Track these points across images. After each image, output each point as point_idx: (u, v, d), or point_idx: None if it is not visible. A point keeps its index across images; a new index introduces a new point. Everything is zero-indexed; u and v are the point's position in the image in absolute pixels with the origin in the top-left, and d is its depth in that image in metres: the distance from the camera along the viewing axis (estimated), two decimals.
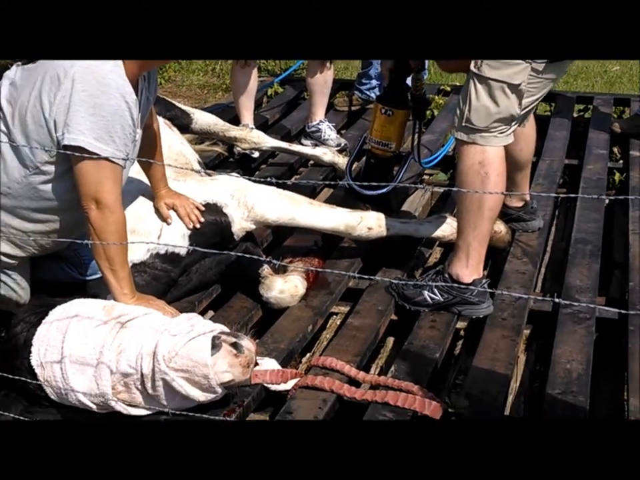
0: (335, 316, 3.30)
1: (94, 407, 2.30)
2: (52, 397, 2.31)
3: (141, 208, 2.97)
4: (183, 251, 2.98)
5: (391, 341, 3.14)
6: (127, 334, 2.30)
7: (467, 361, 2.88)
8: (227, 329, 2.39)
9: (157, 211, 2.97)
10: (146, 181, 2.99)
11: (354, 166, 3.98)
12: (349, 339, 2.87)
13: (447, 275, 2.97)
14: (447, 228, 3.36)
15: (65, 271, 2.91)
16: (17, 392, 2.33)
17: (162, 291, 2.96)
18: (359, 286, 3.34)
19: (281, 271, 3.22)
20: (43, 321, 2.33)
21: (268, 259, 2.64)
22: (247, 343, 2.30)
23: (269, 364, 2.59)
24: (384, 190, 3.53)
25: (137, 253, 2.87)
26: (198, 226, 2.98)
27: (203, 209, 3.02)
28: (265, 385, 2.51)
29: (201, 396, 2.27)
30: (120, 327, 2.32)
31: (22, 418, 2.28)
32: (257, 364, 2.38)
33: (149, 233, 2.93)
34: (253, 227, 3.17)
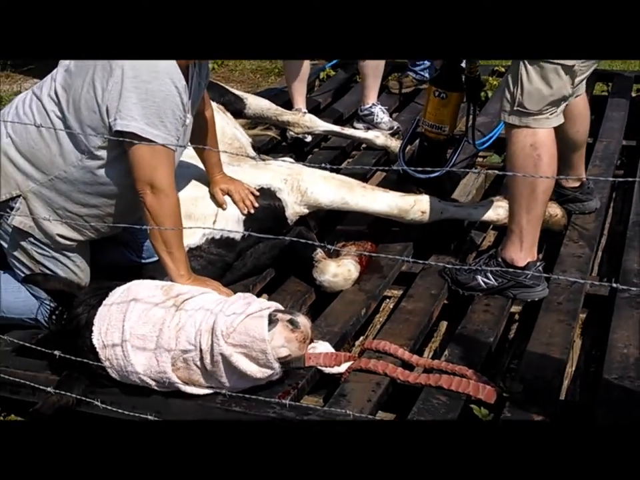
0: (387, 300, 3.30)
1: (153, 384, 2.35)
2: (113, 375, 2.37)
3: (197, 193, 3.02)
4: (237, 236, 3.02)
5: (444, 325, 3.13)
6: (185, 313, 2.34)
7: (522, 345, 2.85)
8: (281, 307, 2.44)
9: (213, 197, 3.01)
10: (201, 165, 3.04)
11: (407, 149, 3.95)
12: (402, 323, 2.87)
13: (500, 259, 2.96)
14: (501, 211, 3.34)
15: (123, 254, 2.98)
16: (79, 372, 2.39)
17: (217, 275, 3.00)
18: (412, 270, 3.34)
19: (334, 254, 3.23)
20: (103, 302, 2.39)
21: (321, 243, 2.65)
22: (303, 320, 2.33)
23: (323, 347, 2.62)
24: (437, 173, 3.50)
25: (193, 238, 2.92)
26: (252, 211, 3.01)
27: (258, 194, 3.05)
28: (319, 367, 2.53)
29: (257, 372, 2.30)
30: (178, 306, 2.37)
31: (84, 398, 2.35)
32: (312, 340, 2.40)
33: (205, 218, 2.97)
34: (307, 211, 3.20)
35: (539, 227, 2.91)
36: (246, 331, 2.26)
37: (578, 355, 2.83)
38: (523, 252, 2.91)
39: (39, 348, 2.39)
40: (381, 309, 3.24)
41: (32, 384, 2.44)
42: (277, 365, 2.30)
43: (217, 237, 2.99)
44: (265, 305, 2.41)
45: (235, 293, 3.03)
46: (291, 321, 2.30)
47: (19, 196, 2.66)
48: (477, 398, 2.37)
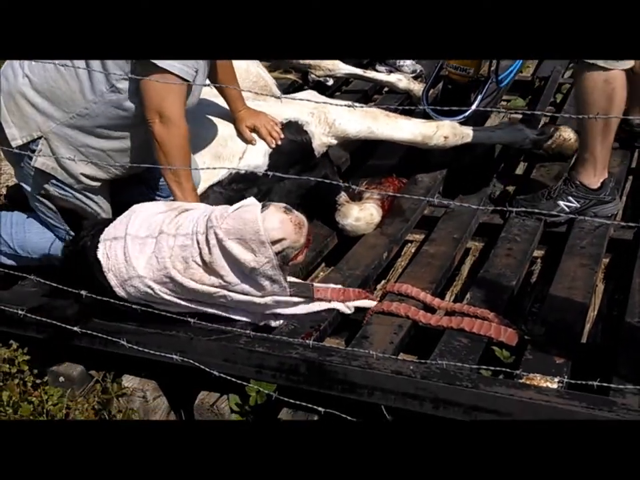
0: (409, 244, 3.31)
1: (157, 287, 2.34)
2: (117, 290, 2.37)
3: (225, 132, 3.02)
4: (260, 171, 3.00)
5: (466, 268, 3.13)
6: (184, 214, 2.38)
7: (544, 289, 2.85)
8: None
9: (240, 134, 3.01)
10: (225, 105, 3.03)
11: (430, 92, 3.91)
12: (424, 266, 2.88)
13: (577, 182, 3.07)
14: (519, 134, 3.51)
15: (143, 194, 2.97)
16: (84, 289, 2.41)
17: None
18: (434, 214, 3.33)
19: (357, 198, 3.23)
20: (109, 225, 2.43)
21: (345, 184, 2.65)
22: (297, 212, 2.33)
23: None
24: (462, 116, 3.47)
25: (218, 176, 2.93)
26: (280, 143, 3.02)
27: (283, 126, 3.07)
28: (325, 300, 2.55)
29: (252, 260, 2.25)
30: (179, 212, 2.40)
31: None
32: (309, 241, 2.39)
33: (233, 156, 2.98)
34: (334, 142, 3.22)
35: (610, 150, 3.07)
36: (239, 215, 2.26)
37: (600, 299, 2.83)
38: (597, 176, 3.06)
39: (55, 284, 2.41)
40: (402, 253, 3.24)
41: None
42: (270, 251, 2.25)
43: (242, 172, 2.99)
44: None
45: None
46: (285, 207, 2.31)
47: (40, 137, 2.66)
48: (499, 340, 2.38)
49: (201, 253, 2.28)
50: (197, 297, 2.38)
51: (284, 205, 2.33)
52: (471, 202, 3.25)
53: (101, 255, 2.36)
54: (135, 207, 2.48)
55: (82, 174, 2.71)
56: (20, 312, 2.46)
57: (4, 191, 3.89)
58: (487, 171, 3.63)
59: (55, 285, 2.37)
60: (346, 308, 2.59)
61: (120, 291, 2.38)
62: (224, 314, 2.45)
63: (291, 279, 2.54)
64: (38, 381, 2.60)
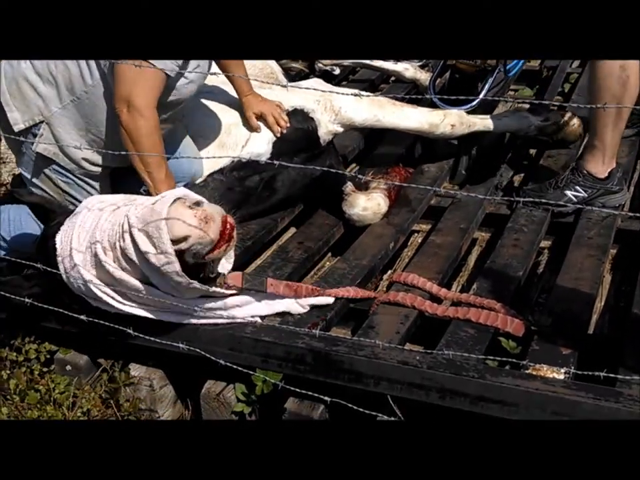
0: (416, 234, 3.30)
1: (91, 278, 2.28)
2: (71, 287, 2.34)
3: (230, 120, 3.01)
4: (263, 159, 2.99)
5: (472, 259, 3.12)
6: (120, 209, 2.29)
7: (551, 279, 2.84)
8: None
9: (246, 122, 3.01)
10: (232, 92, 3.02)
11: (437, 82, 3.89)
12: (431, 256, 2.87)
13: (584, 172, 3.06)
14: (524, 121, 3.51)
15: (141, 185, 2.97)
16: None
17: (236, 201, 2.98)
18: (441, 204, 3.33)
19: (363, 188, 3.22)
20: (67, 219, 2.37)
21: (351, 174, 2.63)
22: (212, 206, 2.20)
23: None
24: (469, 105, 3.46)
25: (220, 164, 2.92)
26: (285, 132, 3.02)
27: (288, 114, 3.06)
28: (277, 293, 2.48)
29: (153, 256, 2.14)
30: (129, 201, 2.32)
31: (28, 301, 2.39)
32: (231, 236, 2.22)
33: (237, 145, 2.97)
34: (340, 130, 3.21)
35: (620, 139, 3.07)
36: (151, 206, 2.16)
37: (607, 289, 2.82)
38: (605, 165, 3.06)
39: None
40: (409, 243, 3.24)
41: None
42: (169, 248, 2.11)
43: (244, 160, 2.97)
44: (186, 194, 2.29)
45: (262, 226, 3.06)
46: (195, 202, 2.18)
47: (41, 122, 2.67)
48: (505, 331, 2.37)
49: (119, 239, 2.20)
50: (128, 292, 2.29)
51: (196, 200, 2.21)
52: (477, 192, 3.24)
53: (59, 257, 2.31)
54: (91, 199, 2.43)
55: (83, 159, 2.72)
56: (26, 300, 2.47)
57: (9, 179, 3.89)
58: (494, 161, 3.62)
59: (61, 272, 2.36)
60: (299, 307, 2.50)
61: (73, 287, 2.33)
62: (158, 317, 2.37)
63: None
64: (45, 370, 2.61)
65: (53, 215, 2.47)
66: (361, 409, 2.12)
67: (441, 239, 2.99)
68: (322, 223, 3.18)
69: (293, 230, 3.33)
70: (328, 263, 3.25)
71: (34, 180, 2.82)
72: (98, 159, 2.73)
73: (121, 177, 2.89)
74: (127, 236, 2.17)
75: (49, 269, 2.34)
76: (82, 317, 2.36)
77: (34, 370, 2.59)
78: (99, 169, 2.79)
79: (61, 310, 2.40)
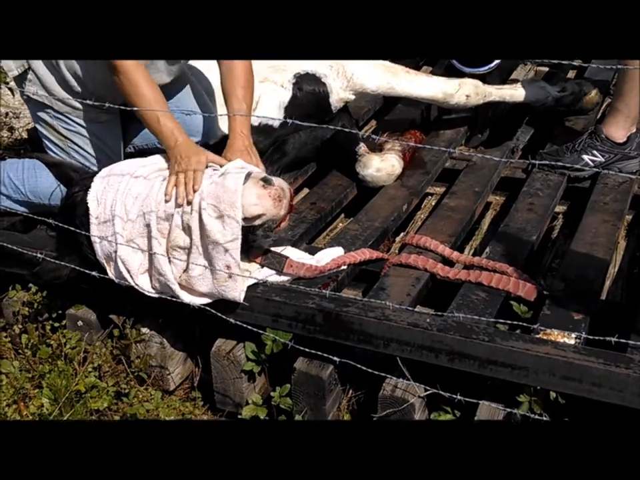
0: (430, 196, 3.28)
1: (136, 259, 2.31)
2: (99, 253, 2.35)
3: None
4: (276, 123, 2.98)
5: (486, 222, 3.10)
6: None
7: (564, 244, 2.83)
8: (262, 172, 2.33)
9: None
10: None
11: None
12: (444, 219, 2.85)
13: (603, 136, 3.03)
14: (541, 93, 3.44)
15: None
16: (71, 250, 2.43)
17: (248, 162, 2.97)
18: (456, 167, 3.30)
19: (377, 149, 3.20)
20: (95, 178, 2.37)
21: (365, 134, 2.59)
22: (280, 180, 2.25)
23: (334, 252, 2.58)
24: (486, 67, 3.42)
25: None
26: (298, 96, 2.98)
27: (301, 77, 3.02)
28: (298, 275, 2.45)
29: (218, 232, 2.17)
30: (162, 180, 2.32)
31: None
32: (292, 207, 2.30)
33: None
34: (352, 97, 3.16)
35: None
36: (222, 183, 2.18)
37: (622, 256, 2.80)
38: (625, 129, 3.03)
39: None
40: (422, 206, 3.22)
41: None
42: (239, 226, 2.15)
43: (256, 123, 2.93)
44: (246, 166, 2.31)
45: None
46: (264, 179, 2.21)
47: (29, 68, 2.71)
48: (517, 295, 2.36)
49: (182, 218, 2.23)
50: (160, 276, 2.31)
51: (264, 176, 2.23)
52: (493, 155, 3.20)
53: (92, 218, 2.33)
54: (125, 162, 2.43)
55: (74, 100, 2.72)
56: (39, 255, 2.48)
57: (25, 135, 3.89)
58: (511, 124, 3.58)
59: (74, 229, 2.37)
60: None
61: (100, 254, 2.34)
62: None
63: (277, 248, 2.50)
64: (56, 325, 2.62)
65: (74, 178, 2.47)
66: (370, 370, 2.14)
67: (455, 201, 2.97)
68: (335, 184, 3.16)
69: (305, 190, 3.31)
70: (341, 224, 3.24)
71: (40, 129, 2.85)
72: (83, 97, 2.68)
73: (134, 131, 2.88)
74: (194, 209, 2.19)
75: (65, 226, 2.36)
76: (94, 273, 2.37)
77: (45, 325, 2.60)
78: (96, 113, 2.77)
79: (73, 266, 2.41)
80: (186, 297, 2.31)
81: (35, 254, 2.51)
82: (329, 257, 2.52)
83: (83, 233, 2.35)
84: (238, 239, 2.19)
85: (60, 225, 2.41)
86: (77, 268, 2.40)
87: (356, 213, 2.94)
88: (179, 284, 2.30)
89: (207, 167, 2.32)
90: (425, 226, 2.85)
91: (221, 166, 2.33)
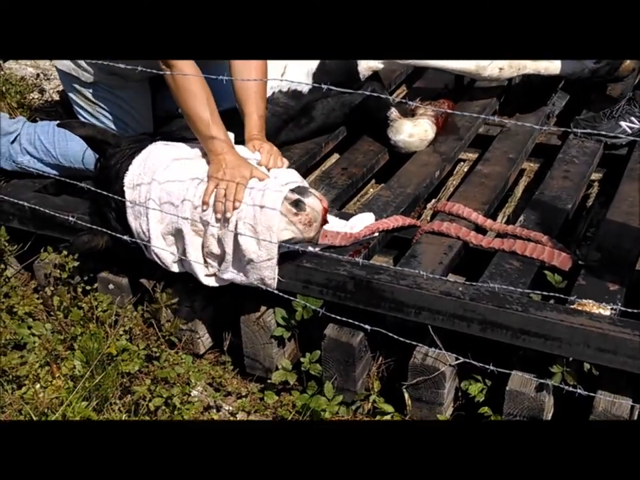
0: (462, 162, 3.24)
1: (168, 241, 2.34)
2: (134, 231, 2.36)
3: None
4: (305, 88, 2.96)
5: (520, 190, 3.06)
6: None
7: (600, 213, 2.78)
8: (306, 184, 2.31)
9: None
10: None
11: None
12: (477, 186, 2.81)
13: None
14: (577, 65, 3.31)
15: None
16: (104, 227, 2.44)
17: (279, 128, 2.97)
18: (490, 132, 3.25)
19: (409, 114, 3.15)
20: (136, 157, 2.36)
21: (398, 99, 2.55)
22: (312, 201, 2.20)
23: (366, 218, 2.55)
24: None
25: None
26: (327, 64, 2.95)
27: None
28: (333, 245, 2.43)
29: (253, 253, 2.18)
30: (198, 183, 2.29)
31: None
32: (325, 221, 2.27)
33: (274, 69, 2.90)
34: (380, 66, 3.11)
35: None
36: (260, 207, 2.16)
37: None
38: None
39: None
40: (455, 172, 3.18)
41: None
42: (276, 252, 2.18)
43: (285, 89, 2.93)
44: (288, 180, 2.26)
45: (306, 150, 3.02)
46: (295, 203, 2.17)
47: None
48: (551, 264, 2.32)
49: (219, 221, 2.23)
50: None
51: (296, 199, 2.17)
52: (528, 121, 3.14)
53: (127, 193, 2.33)
54: (170, 144, 2.41)
55: (97, 68, 2.71)
56: (71, 219, 2.48)
57: (56, 97, 3.89)
58: (546, 89, 3.50)
59: (105, 193, 2.37)
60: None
61: (134, 231, 2.36)
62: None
63: None
64: (88, 288, 2.64)
65: (107, 146, 2.46)
66: (401, 338, 2.13)
67: (488, 168, 2.92)
68: (366, 150, 3.13)
69: (336, 156, 3.28)
70: (372, 190, 3.21)
71: (69, 95, 2.84)
72: (111, 68, 2.64)
73: (164, 97, 2.86)
74: (230, 227, 2.19)
75: (99, 191, 2.37)
76: (125, 237, 2.37)
77: (77, 287, 2.61)
78: (124, 81, 2.76)
79: (105, 230, 2.41)
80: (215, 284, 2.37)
81: (66, 217, 2.52)
82: (361, 223, 2.50)
83: (113, 216, 2.39)
84: (274, 259, 2.20)
85: (93, 189, 2.41)
86: (110, 233, 2.41)
87: (387, 179, 2.91)
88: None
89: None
90: (457, 193, 2.81)
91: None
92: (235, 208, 2.19)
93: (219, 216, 2.22)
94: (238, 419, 2.43)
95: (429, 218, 2.89)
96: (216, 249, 2.28)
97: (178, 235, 2.31)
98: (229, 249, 2.23)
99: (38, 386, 2.37)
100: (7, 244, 2.84)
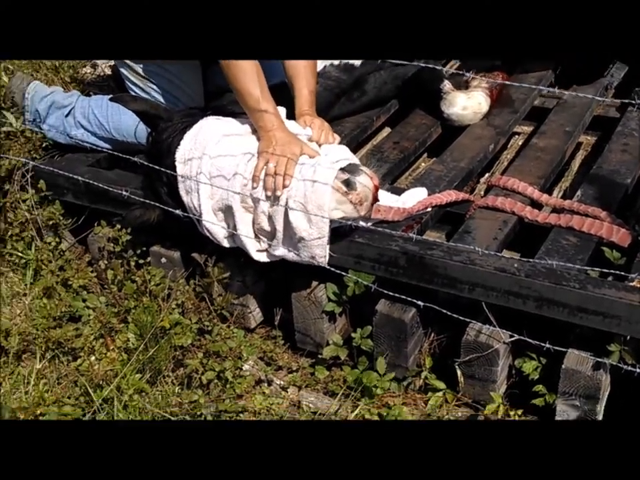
0: (517, 136, 3.18)
1: (219, 217, 2.34)
2: (186, 203, 2.37)
3: None
4: (357, 62, 2.94)
5: (577, 164, 2.98)
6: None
7: None
8: (357, 161, 2.26)
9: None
10: None
11: None
12: (533, 160, 2.75)
13: None
14: None
15: None
16: (156, 202, 2.45)
17: (331, 102, 2.95)
18: (545, 105, 3.17)
19: (463, 87, 3.09)
20: (188, 132, 2.36)
21: (451, 71, 2.50)
22: (364, 179, 2.17)
23: (419, 193, 2.51)
24: None
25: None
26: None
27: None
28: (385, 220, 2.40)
29: (304, 231, 2.17)
30: (249, 159, 2.29)
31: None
32: (376, 199, 2.24)
33: None
34: None
35: None
36: (311, 184, 2.14)
37: None
38: None
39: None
40: (509, 145, 3.12)
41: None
42: (327, 230, 2.16)
43: (336, 62, 2.91)
44: (339, 158, 2.23)
45: (358, 123, 2.99)
46: (346, 182, 2.16)
47: None
48: (610, 241, 2.26)
49: (270, 198, 2.22)
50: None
51: (347, 178, 2.16)
52: (585, 92, 3.06)
53: (178, 168, 2.34)
54: (222, 119, 2.41)
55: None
56: (124, 193, 2.50)
57: (108, 71, 3.90)
58: (605, 59, 3.40)
59: (158, 167, 2.37)
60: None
61: (187, 204, 2.36)
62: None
63: None
64: (141, 261, 2.66)
65: (159, 120, 2.46)
66: (454, 315, 2.10)
67: (544, 141, 2.85)
68: (419, 123, 3.08)
69: (387, 129, 3.24)
70: (423, 164, 3.17)
71: (120, 69, 2.85)
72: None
73: (216, 72, 2.85)
74: (281, 204, 2.18)
75: (151, 165, 2.39)
76: (178, 211, 2.38)
77: (130, 261, 2.64)
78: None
79: (157, 204, 2.43)
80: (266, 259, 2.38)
81: (119, 191, 2.53)
82: (414, 198, 2.46)
83: (165, 190, 2.40)
84: (325, 237, 2.18)
85: (145, 164, 2.42)
86: (162, 207, 2.42)
87: (440, 153, 2.86)
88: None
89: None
90: (512, 167, 2.76)
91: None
92: (285, 185, 2.17)
93: (269, 193, 2.21)
94: (289, 393, 2.44)
95: (482, 193, 2.84)
96: (267, 226, 2.27)
97: (228, 211, 2.31)
98: (280, 226, 2.23)
99: (93, 358, 2.41)
100: (61, 218, 2.88)
